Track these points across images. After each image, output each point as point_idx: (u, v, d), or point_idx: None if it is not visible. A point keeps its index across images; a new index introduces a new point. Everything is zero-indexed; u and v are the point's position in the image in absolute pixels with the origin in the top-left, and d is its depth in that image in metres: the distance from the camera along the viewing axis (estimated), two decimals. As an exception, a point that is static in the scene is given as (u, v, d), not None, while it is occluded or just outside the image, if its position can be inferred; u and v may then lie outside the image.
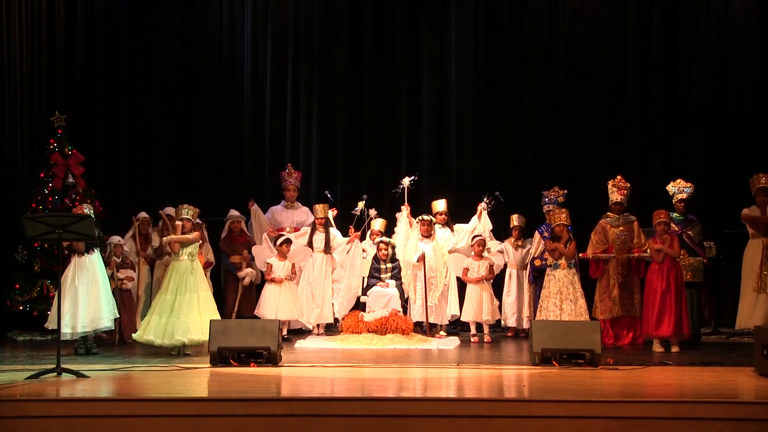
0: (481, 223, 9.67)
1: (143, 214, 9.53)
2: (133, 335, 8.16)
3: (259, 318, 8.79)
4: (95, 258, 8.05)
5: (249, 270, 9.54)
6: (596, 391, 6.01)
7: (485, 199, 9.78)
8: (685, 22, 11.24)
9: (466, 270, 9.43)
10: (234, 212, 9.88)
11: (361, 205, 9.92)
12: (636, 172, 10.08)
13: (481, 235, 9.56)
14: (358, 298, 9.72)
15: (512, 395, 5.99)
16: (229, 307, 9.39)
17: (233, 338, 7.11)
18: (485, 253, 9.51)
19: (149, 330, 7.84)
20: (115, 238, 9.00)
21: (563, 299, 8.64)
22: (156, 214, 9.63)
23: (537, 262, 9.53)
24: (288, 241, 9.33)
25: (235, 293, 9.54)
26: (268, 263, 9.27)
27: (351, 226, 9.90)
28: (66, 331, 7.63)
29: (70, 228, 6.69)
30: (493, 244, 9.86)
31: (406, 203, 9.72)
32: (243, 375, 6.61)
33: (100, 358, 7.79)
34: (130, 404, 5.55)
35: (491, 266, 9.48)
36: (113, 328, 8.33)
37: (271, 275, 9.16)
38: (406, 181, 9.76)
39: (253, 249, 9.58)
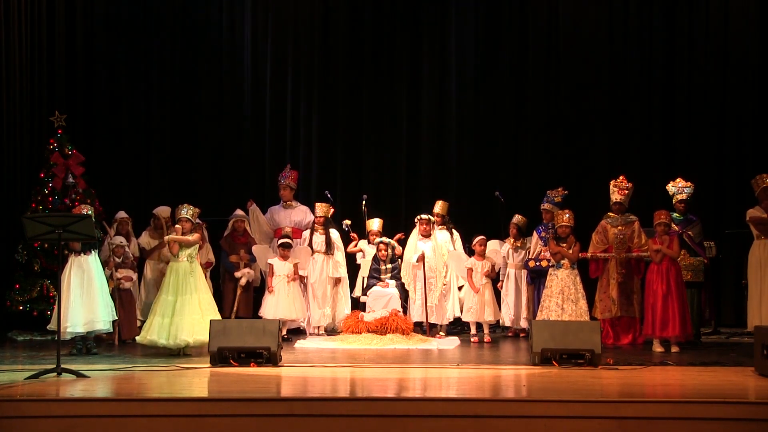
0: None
1: (122, 214, 9.50)
2: (137, 338, 8.16)
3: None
4: (92, 259, 8.02)
5: (246, 270, 9.53)
6: (596, 391, 6.01)
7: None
8: (685, 21, 11.25)
9: (470, 270, 9.42)
10: (239, 211, 9.88)
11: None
12: (636, 172, 10.07)
13: (482, 235, 9.57)
14: (358, 298, 9.73)
15: (512, 395, 5.98)
16: (227, 306, 9.38)
17: (233, 338, 7.11)
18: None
19: (152, 331, 7.83)
20: (117, 239, 9.01)
21: (565, 299, 8.63)
22: (145, 214, 9.66)
23: (531, 264, 9.53)
24: (287, 245, 9.32)
25: (232, 293, 9.54)
26: (269, 264, 9.28)
27: (353, 234, 9.93)
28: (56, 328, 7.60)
29: (70, 228, 6.68)
30: (492, 243, 9.85)
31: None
32: (243, 375, 6.60)
33: (100, 358, 7.78)
34: (130, 404, 5.54)
35: (493, 266, 9.48)
36: (111, 330, 8.31)
37: (272, 276, 9.17)
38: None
39: (254, 249, 9.57)
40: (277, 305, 9.08)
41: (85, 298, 7.90)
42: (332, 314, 9.65)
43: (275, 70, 11.60)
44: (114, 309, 8.24)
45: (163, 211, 9.49)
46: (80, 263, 7.96)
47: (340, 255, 9.75)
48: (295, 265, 9.28)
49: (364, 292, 9.59)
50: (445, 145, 11.54)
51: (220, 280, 9.82)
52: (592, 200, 9.92)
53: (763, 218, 8.37)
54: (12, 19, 10.41)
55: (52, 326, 7.88)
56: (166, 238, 8.31)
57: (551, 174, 10.87)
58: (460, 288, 9.77)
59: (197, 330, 7.75)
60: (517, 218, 9.90)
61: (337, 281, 9.72)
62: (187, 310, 7.83)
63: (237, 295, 9.47)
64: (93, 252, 8.06)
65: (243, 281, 9.51)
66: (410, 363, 7.50)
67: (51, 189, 9.80)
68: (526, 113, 11.47)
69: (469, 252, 9.71)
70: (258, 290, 9.74)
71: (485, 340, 9.22)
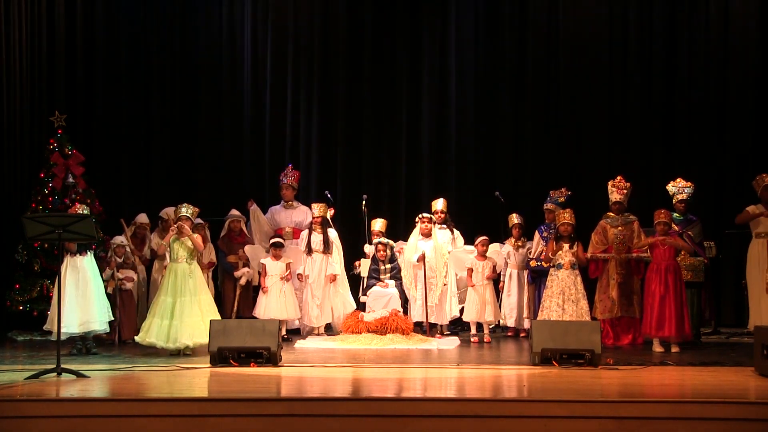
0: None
1: (143, 219, 9.52)
2: (136, 338, 8.15)
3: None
4: (87, 260, 8.01)
5: (246, 270, 9.53)
6: (596, 391, 6.01)
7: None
8: (685, 22, 11.25)
9: (471, 270, 9.41)
10: (234, 211, 9.89)
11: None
12: (636, 172, 10.08)
13: (484, 236, 9.56)
14: (358, 298, 9.73)
15: (512, 395, 5.98)
16: (227, 307, 9.39)
17: (233, 338, 7.11)
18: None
19: (151, 333, 7.82)
20: (118, 239, 9.01)
21: (565, 300, 8.62)
22: (155, 216, 9.66)
23: (533, 263, 9.54)
24: (279, 245, 9.33)
25: (232, 293, 9.54)
26: (262, 263, 9.28)
27: (355, 263, 9.98)
28: (53, 329, 7.58)
29: (70, 228, 6.69)
30: (494, 245, 9.85)
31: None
32: (243, 375, 6.61)
33: (100, 358, 7.79)
34: (130, 404, 5.55)
35: (494, 266, 9.47)
36: (107, 330, 8.30)
37: (265, 276, 9.18)
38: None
39: (247, 249, 9.56)
40: (269, 305, 9.08)
41: (80, 298, 7.88)
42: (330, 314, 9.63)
43: (275, 69, 11.59)
44: (110, 309, 8.23)
45: (170, 212, 9.48)
46: (75, 264, 7.93)
47: (337, 254, 9.73)
48: (288, 265, 9.28)
49: (364, 292, 9.59)
50: (445, 145, 11.52)
51: (219, 280, 9.83)
52: (592, 200, 9.91)
53: (748, 215, 8.43)
54: (12, 20, 10.42)
55: (48, 327, 7.90)
56: (169, 240, 8.13)
57: (551, 174, 10.86)
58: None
59: (197, 333, 7.74)
60: (518, 218, 9.89)
61: (333, 279, 9.68)
62: (187, 312, 7.81)
63: (237, 294, 9.48)
64: (89, 253, 8.04)
65: (243, 281, 9.51)
66: (410, 363, 7.50)
67: (51, 189, 9.80)
68: (526, 113, 11.45)
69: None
70: (256, 289, 9.74)
71: (485, 340, 9.22)
